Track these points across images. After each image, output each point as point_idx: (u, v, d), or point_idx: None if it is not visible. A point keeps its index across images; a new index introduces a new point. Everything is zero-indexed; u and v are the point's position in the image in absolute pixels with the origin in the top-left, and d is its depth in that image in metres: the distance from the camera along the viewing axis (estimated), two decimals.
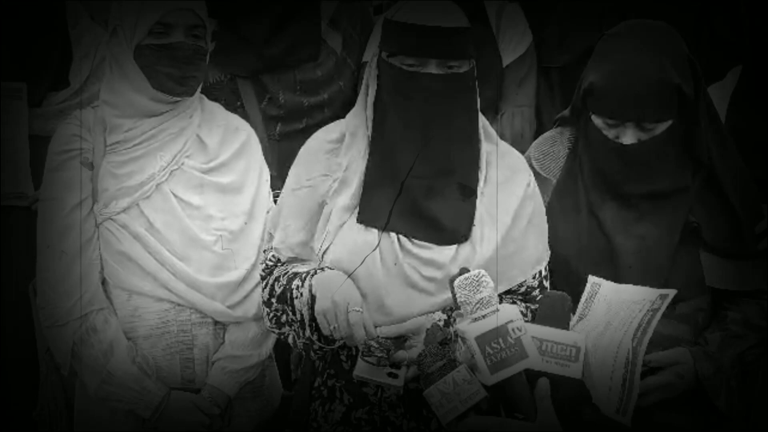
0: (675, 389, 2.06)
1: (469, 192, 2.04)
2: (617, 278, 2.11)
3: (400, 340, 1.92)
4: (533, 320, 1.82)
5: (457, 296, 1.71)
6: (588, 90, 2.11)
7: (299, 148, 2.17)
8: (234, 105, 2.64)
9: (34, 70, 2.66)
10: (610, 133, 2.10)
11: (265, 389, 2.42)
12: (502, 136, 2.52)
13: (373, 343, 1.85)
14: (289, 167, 2.19)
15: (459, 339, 1.71)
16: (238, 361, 2.31)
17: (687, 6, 2.73)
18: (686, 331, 2.15)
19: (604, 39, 2.15)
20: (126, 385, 2.23)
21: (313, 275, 1.98)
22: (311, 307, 1.96)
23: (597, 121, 2.12)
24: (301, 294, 1.97)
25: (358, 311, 1.88)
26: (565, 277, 2.12)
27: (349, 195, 2.03)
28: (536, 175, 2.22)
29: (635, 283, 2.09)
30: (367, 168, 2.04)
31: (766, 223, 2.19)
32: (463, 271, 1.73)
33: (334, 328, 1.90)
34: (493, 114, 2.75)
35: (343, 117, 2.18)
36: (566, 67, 2.82)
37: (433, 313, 1.97)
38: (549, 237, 2.14)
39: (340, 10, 2.81)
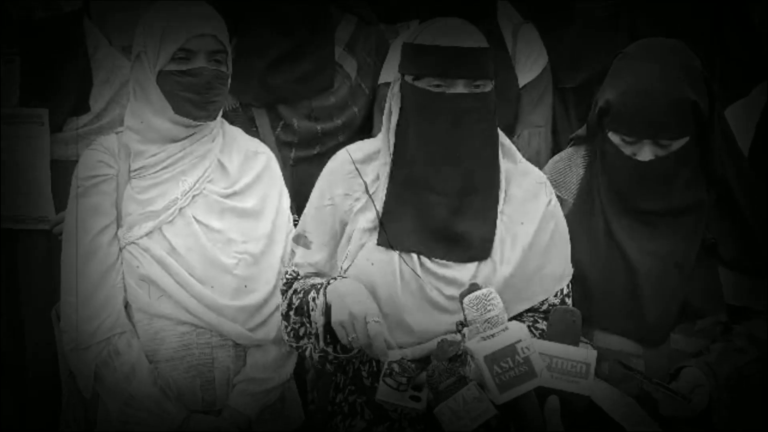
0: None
1: (490, 210, 2.07)
2: (635, 296, 2.14)
3: (424, 362, 1.92)
4: (544, 336, 1.85)
5: (466, 314, 1.73)
6: (604, 108, 2.14)
7: (314, 173, 2.21)
8: (249, 131, 2.66)
9: (55, 95, 2.68)
10: (627, 150, 2.12)
11: (285, 411, 2.44)
12: None
13: (395, 366, 1.85)
14: (303, 192, 2.23)
15: (469, 357, 1.72)
16: (259, 383, 2.33)
17: (700, 25, 2.77)
18: (705, 345, 2.17)
19: (620, 58, 2.18)
20: (147, 408, 2.25)
21: (327, 285, 2.01)
22: (326, 316, 1.98)
23: (614, 138, 2.14)
24: (317, 305, 2.00)
25: (378, 321, 1.91)
26: (582, 296, 2.15)
27: (371, 218, 2.07)
28: None
29: (653, 301, 2.11)
30: (389, 191, 2.07)
31: None
32: (473, 287, 1.75)
33: (353, 338, 1.92)
34: (509, 134, 2.80)
35: (358, 141, 2.21)
36: (581, 86, 2.85)
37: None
38: None
39: (355, 36, 2.84)
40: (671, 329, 2.16)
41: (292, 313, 2.09)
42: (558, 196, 2.23)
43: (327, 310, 1.98)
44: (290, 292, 2.12)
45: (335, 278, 2.04)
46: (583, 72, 2.85)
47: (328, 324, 1.99)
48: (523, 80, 2.84)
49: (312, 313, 2.02)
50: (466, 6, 2.67)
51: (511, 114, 2.81)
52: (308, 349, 2.09)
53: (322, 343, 2.01)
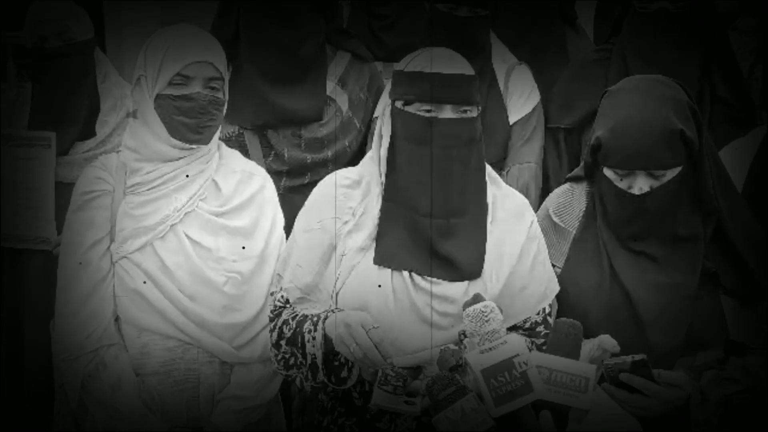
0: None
1: (480, 231, 2.07)
2: (638, 327, 2.11)
3: (416, 371, 1.89)
4: (545, 348, 1.80)
5: (466, 326, 1.70)
6: (596, 146, 2.13)
7: (304, 201, 2.19)
8: None
9: (63, 120, 2.74)
10: (622, 184, 2.10)
11: (270, 431, 2.40)
12: None
13: (389, 371, 1.83)
14: (294, 220, 2.21)
15: (468, 367, 1.70)
16: (243, 401, 2.29)
17: (690, 68, 2.77)
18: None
19: (607, 95, 2.18)
20: (130, 421, 2.22)
21: (325, 319, 1.98)
22: (325, 347, 1.96)
23: (608, 173, 2.12)
24: (314, 338, 1.97)
25: (377, 327, 1.89)
26: (586, 329, 2.10)
27: (362, 238, 2.06)
28: (555, 226, 2.24)
29: (657, 333, 2.08)
30: (382, 212, 2.06)
31: None
32: (477, 297, 1.73)
33: (354, 348, 1.88)
34: (499, 170, 2.76)
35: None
36: (572, 127, 2.85)
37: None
38: (568, 289, 2.15)
39: (348, 71, 2.84)
40: (676, 360, 2.10)
41: (283, 342, 2.06)
42: (561, 228, 2.23)
43: (325, 343, 1.97)
44: (280, 321, 2.09)
45: (333, 311, 2.01)
46: (575, 113, 2.82)
47: (326, 355, 1.98)
48: (513, 117, 2.83)
49: (308, 345, 1.98)
50: (462, 46, 2.75)
51: (501, 150, 2.80)
52: (297, 378, 2.07)
53: (320, 376, 1.99)
